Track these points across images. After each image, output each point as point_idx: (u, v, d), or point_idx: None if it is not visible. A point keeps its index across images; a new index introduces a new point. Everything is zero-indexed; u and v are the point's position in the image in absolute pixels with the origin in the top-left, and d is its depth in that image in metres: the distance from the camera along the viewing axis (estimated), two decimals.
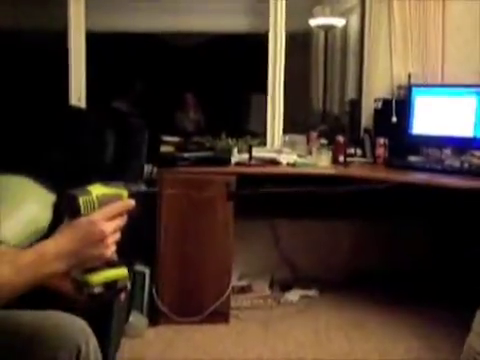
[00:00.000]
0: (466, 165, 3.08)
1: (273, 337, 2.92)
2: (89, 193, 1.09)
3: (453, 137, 3.26)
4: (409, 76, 3.46)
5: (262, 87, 3.68)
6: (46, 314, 1.33)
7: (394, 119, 3.43)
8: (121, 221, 1.12)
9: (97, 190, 1.10)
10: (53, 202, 2.14)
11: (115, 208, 1.11)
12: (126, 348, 2.64)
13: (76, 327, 1.30)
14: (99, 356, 1.33)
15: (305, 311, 3.27)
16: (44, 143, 2.48)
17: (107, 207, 1.10)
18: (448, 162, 3.17)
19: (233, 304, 3.15)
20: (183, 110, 4.63)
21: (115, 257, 1.13)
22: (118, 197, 1.13)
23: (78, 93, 3.44)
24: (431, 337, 2.89)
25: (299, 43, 4.32)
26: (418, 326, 3.01)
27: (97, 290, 1.10)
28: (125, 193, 1.14)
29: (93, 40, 3.47)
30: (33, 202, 2.10)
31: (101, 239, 1.08)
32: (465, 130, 3.21)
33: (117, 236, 1.12)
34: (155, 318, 2.98)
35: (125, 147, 2.54)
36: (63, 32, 3.41)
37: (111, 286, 1.12)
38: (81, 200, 1.08)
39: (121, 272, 1.14)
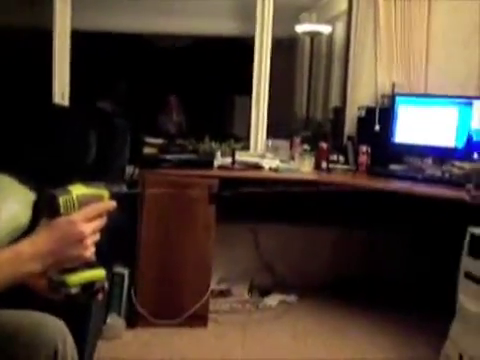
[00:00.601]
0: (447, 175, 3.11)
1: (251, 341, 2.92)
2: (69, 193, 1.08)
3: (435, 147, 3.29)
4: (393, 85, 3.49)
5: (246, 91, 3.69)
6: (24, 313, 1.32)
7: (377, 127, 3.45)
8: (101, 222, 1.11)
9: (77, 190, 1.09)
10: (34, 201, 2.12)
11: (95, 209, 1.10)
12: (103, 349, 2.61)
13: (54, 327, 1.30)
14: (75, 356, 1.32)
15: (283, 316, 3.27)
16: (26, 141, 2.46)
17: (87, 207, 1.08)
18: (429, 171, 3.20)
19: (212, 308, 3.13)
20: (166, 112, 4.62)
21: (93, 258, 1.12)
22: (99, 198, 1.12)
23: (62, 91, 3.42)
24: (409, 345, 2.90)
25: (285, 48, 4.34)
26: (396, 334, 3.03)
27: (74, 291, 1.09)
28: (106, 194, 1.13)
29: (78, 39, 3.45)
30: (13, 201, 2.07)
31: (80, 240, 1.06)
32: (447, 140, 3.24)
33: (96, 237, 1.11)
34: (133, 320, 2.96)
35: (108, 147, 2.53)
36: (48, 30, 3.38)
37: (88, 287, 1.11)
38: (61, 200, 1.06)
39: (99, 273, 1.13)
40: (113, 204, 1.13)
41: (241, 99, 4.25)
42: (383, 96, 3.53)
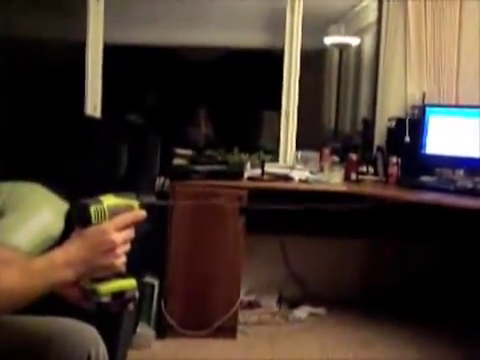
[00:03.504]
0: (479, 186, 3.06)
1: (280, 354, 2.91)
2: (100, 203, 1.10)
3: (466, 158, 3.25)
4: (423, 96, 3.46)
5: (275, 103, 3.70)
6: (58, 320, 1.34)
7: (407, 138, 3.42)
8: (131, 232, 1.13)
9: (108, 200, 1.11)
10: (66, 211, 2.16)
11: (126, 218, 1.11)
12: (132, 359, 2.63)
13: (87, 334, 1.31)
14: None
15: (313, 329, 3.25)
16: (59, 152, 2.50)
17: (118, 217, 1.10)
18: (461, 183, 3.15)
19: (241, 319, 3.13)
20: (195, 124, 4.65)
21: (124, 268, 1.13)
22: (129, 208, 1.13)
23: (94, 104, 3.48)
24: None
25: (313, 60, 4.34)
26: (427, 348, 2.98)
27: (105, 299, 1.10)
28: (136, 204, 1.15)
29: (109, 52, 3.51)
30: (47, 210, 2.11)
31: (111, 248, 1.08)
32: (478, 151, 3.20)
33: (127, 246, 1.12)
34: (162, 330, 2.98)
35: (139, 159, 2.56)
36: (81, 43, 3.45)
37: (119, 296, 1.12)
38: (92, 209, 1.08)
39: (130, 283, 1.14)
40: (143, 214, 1.14)
41: (270, 111, 4.26)
42: (413, 107, 3.50)
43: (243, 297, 3.33)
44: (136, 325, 2.84)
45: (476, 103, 3.28)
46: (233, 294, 3.01)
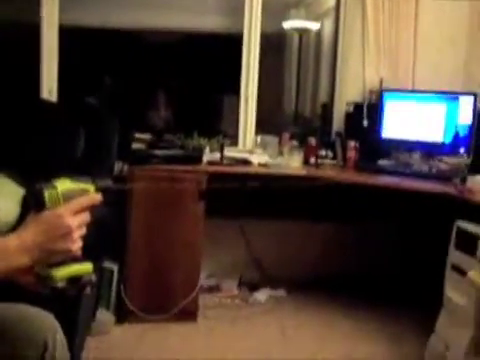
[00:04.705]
0: (434, 170, 3.13)
1: (241, 336, 2.93)
2: (55, 187, 1.08)
3: (422, 142, 3.32)
4: (381, 81, 3.51)
5: (235, 87, 3.69)
6: (13, 307, 1.32)
7: (365, 123, 3.47)
8: (87, 216, 1.11)
9: (63, 185, 1.10)
10: (22, 197, 2.12)
11: (81, 202, 1.10)
12: (92, 345, 2.61)
13: (43, 321, 1.30)
14: (66, 351, 1.32)
15: (273, 311, 3.28)
16: (14, 137, 2.45)
17: (73, 201, 1.09)
18: (417, 166, 3.22)
19: (201, 303, 3.15)
20: (154, 108, 4.61)
21: (80, 252, 1.12)
22: (84, 192, 1.12)
23: (49, 87, 3.41)
24: (397, 338, 2.93)
25: (273, 45, 4.33)
26: (385, 328, 3.06)
27: (60, 285, 1.09)
28: (92, 188, 1.14)
29: (65, 34, 3.43)
30: (2, 196, 2.07)
31: (67, 233, 1.06)
32: (434, 135, 3.27)
33: (83, 231, 1.11)
34: (122, 316, 2.97)
35: (96, 143, 2.52)
36: (35, 25, 3.36)
37: (75, 281, 1.11)
38: (46, 194, 1.07)
39: (86, 267, 1.13)
40: (99, 197, 1.13)
41: (229, 95, 4.25)
42: (371, 92, 3.55)
43: (204, 281, 3.34)
44: (95, 311, 2.82)
45: (432, 88, 3.34)
46: (193, 278, 3.02)
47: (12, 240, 1.06)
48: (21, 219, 1.92)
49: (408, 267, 3.52)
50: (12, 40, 3.49)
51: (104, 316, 2.88)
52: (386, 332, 3.01)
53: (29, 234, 1.06)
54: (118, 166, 2.91)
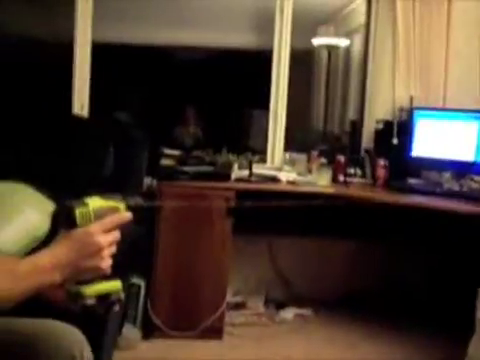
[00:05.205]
0: (465, 189, 3.08)
1: (266, 355, 2.91)
2: (86, 205, 1.09)
3: (453, 161, 3.27)
4: (411, 99, 3.47)
5: (264, 104, 3.69)
6: (42, 322, 1.33)
7: (395, 141, 3.43)
8: (117, 234, 1.12)
9: (94, 203, 1.11)
10: (52, 210, 2.13)
11: (112, 221, 1.11)
12: None
13: (71, 336, 1.30)
14: None
15: (299, 330, 3.25)
16: (45, 151, 2.48)
17: (104, 220, 1.10)
18: (447, 186, 3.17)
19: (227, 320, 3.13)
20: (183, 124, 4.64)
21: (110, 270, 1.13)
22: (115, 210, 1.13)
23: (81, 103, 3.45)
24: None
25: (302, 61, 4.34)
26: (412, 350, 3.00)
27: (90, 302, 1.10)
28: (122, 206, 1.14)
29: (97, 50, 3.48)
30: (32, 210, 2.09)
31: (97, 251, 1.08)
32: (465, 154, 3.22)
33: (113, 249, 1.12)
34: (148, 331, 2.96)
35: (125, 159, 2.54)
36: (68, 42, 3.42)
37: (104, 298, 1.12)
38: (77, 212, 1.08)
39: (115, 285, 1.14)
40: (129, 216, 1.14)
41: (258, 112, 4.26)
42: (401, 109, 3.51)
43: (230, 298, 3.33)
44: (122, 326, 2.82)
45: (463, 107, 3.30)
46: (220, 295, 3.01)
47: (44, 258, 1.07)
48: (51, 234, 1.94)
49: (437, 288, 3.45)
50: (46, 57, 3.56)
51: (131, 331, 2.88)
52: (413, 355, 2.94)
53: (60, 252, 1.07)
54: (147, 182, 2.93)
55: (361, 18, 3.88)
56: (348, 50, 4.43)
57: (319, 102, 4.61)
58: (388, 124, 3.48)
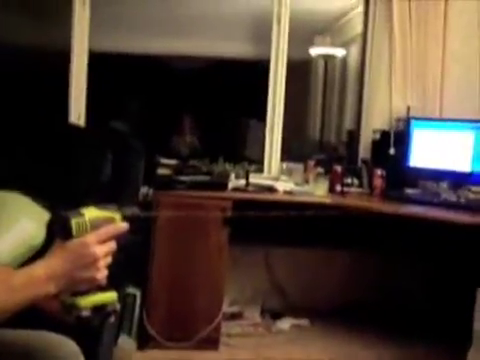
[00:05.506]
0: (462, 200, 3.08)
1: None
2: (82, 216, 1.08)
3: (450, 171, 3.27)
4: (408, 109, 3.48)
5: (260, 114, 3.70)
6: (37, 334, 1.32)
7: (392, 151, 3.44)
8: (113, 244, 1.11)
9: (90, 213, 1.10)
10: (47, 220, 2.12)
11: (108, 231, 1.10)
12: None
13: (66, 348, 1.30)
14: None
15: (296, 340, 3.23)
16: (41, 160, 2.47)
17: (100, 230, 1.09)
18: (444, 196, 3.16)
19: (224, 330, 3.11)
20: (180, 133, 4.64)
21: (105, 281, 1.12)
22: (111, 220, 1.12)
23: (78, 112, 3.45)
24: None
25: (299, 71, 4.35)
26: None
27: (85, 313, 1.09)
28: (118, 216, 1.14)
29: (94, 59, 3.48)
30: (27, 219, 2.07)
31: (93, 262, 1.07)
32: (462, 165, 3.22)
33: (109, 259, 1.11)
34: (144, 342, 2.94)
35: (122, 168, 2.53)
36: (65, 51, 3.42)
37: (99, 310, 1.11)
38: (73, 222, 1.07)
39: (110, 296, 1.13)
40: (125, 226, 1.13)
41: (255, 121, 4.26)
42: (398, 119, 3.52)
43: (226, 308, 3.31)
44: (117, 337, 2.80)
45: (459, 116, 3.30)
46: (216, 305, 2.99)
47: (39, 269, 1.06)
48: (47, 243, 1.93)
49: (433, 298, 3.44)
50: (43, 66, 3.56)
51: (126, 342, 2.86)
52: None
53: (56, 263, 1.06)
54: (143, 191, 2.92)
55: (358, 28, 3.90)
56: (345, 60, 4.45)
57: (316, 112, 4.62)
58: (385, 134, 3.49)
